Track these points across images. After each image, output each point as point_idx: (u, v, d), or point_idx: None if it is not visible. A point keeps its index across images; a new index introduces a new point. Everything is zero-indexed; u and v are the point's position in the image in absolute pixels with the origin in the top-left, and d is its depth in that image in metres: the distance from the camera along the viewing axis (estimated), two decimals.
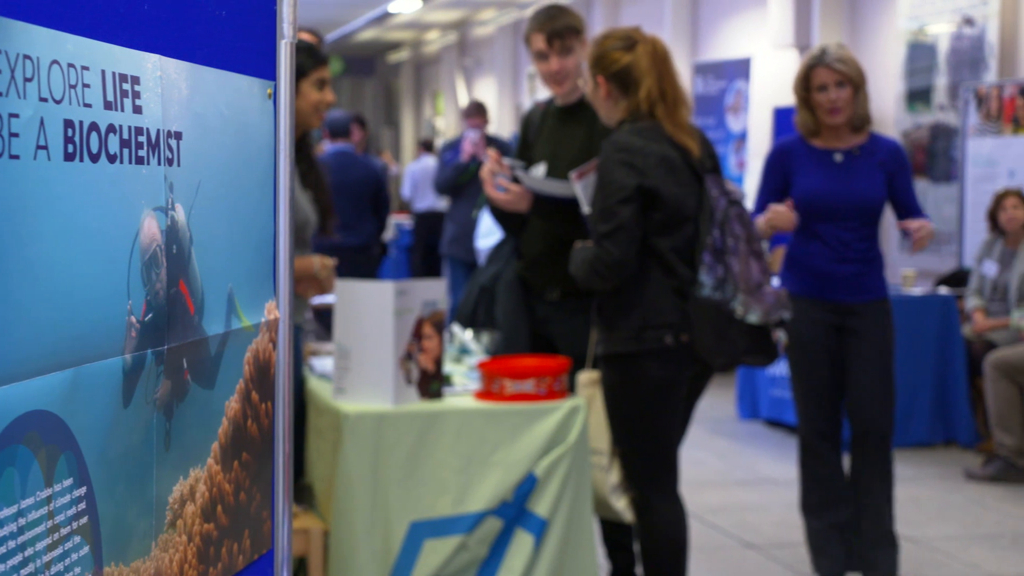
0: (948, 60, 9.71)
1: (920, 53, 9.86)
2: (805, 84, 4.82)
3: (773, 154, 4.95)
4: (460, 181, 9.92)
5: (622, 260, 3.90)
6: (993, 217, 7.75)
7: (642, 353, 3.94)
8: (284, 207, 1.78)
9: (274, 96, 1.83)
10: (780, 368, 8.17)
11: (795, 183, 4.84)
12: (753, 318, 3.88)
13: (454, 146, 10.27)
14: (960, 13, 9.54)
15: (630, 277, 3.95)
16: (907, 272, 8.26)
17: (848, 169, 4.80)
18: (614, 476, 4.09)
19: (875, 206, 4.81)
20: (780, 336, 4.00)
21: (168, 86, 1.61)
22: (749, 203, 11.11)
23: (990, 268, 7.76)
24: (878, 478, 4.82)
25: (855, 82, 4.75)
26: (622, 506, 4.10)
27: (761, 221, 4.69)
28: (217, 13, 1.73)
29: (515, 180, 4.40)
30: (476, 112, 10.31)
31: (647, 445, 4.04)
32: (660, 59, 3.99)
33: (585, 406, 3.95)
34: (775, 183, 4.90)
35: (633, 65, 3.97)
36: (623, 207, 3.88)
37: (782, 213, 4.70)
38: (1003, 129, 8.67)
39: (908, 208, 4.84)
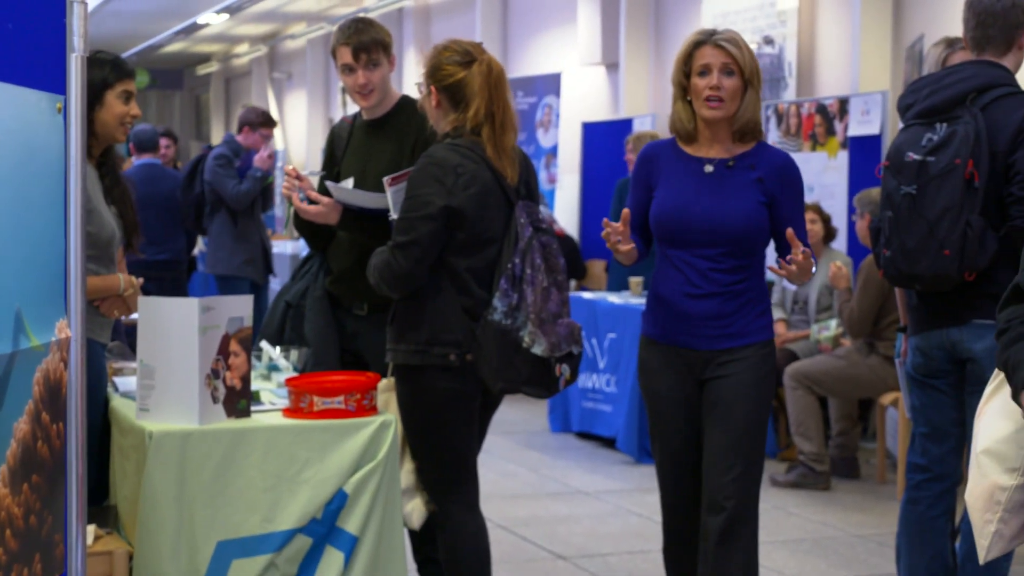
0: None
1: None
2: (685, 68, 3.96)
3: (638, 161, 4.11)
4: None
5: (410, 273, 3.93)
6: None
7: (427, 367, 3.97)
8: (75, 223, 1.74)
9: (64, 110, 1.79)
10: (592, 380, 8.27)
11: (655, 195, 4.01)
12: (538, 350, 3.92)
13: (242, 155, 8.94)
14: (760, 33, 9.81)
15: (423, 292, 3.98)
16: None
17: (716, 184, 3.94)
18: (402, 481, 4.11)
19: (741, 231, 3.89)
20: (564, 370, 4.03)
21: None
22: (564, 220, 11.25)
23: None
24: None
25: (746, 74, 3.90)
26: (407, 510, 4.13)
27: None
28: (3, 26, 1.68)
29: (324, 192, 4.38)
30: (268, 122, 9.20)
31: (441, 457, 4.07)
32: (494, 81, 4.02)
33: (396, 421, 3.95)
34: (639, 198, 4.06)
35: (466, 82, 3.99)
36: (423, 223, 3.91)
37: (612, 230, 3.85)
38: (802, 145, 8.92)
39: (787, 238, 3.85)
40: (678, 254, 3.94)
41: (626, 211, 3.85)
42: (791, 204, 3.97)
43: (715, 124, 3.94)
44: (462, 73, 4.00)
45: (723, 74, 3.88)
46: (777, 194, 3.94)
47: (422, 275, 3.96)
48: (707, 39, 3.92)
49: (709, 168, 3.95)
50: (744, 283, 3.93)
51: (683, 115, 3.98)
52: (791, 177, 3.98)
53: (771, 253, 4.05)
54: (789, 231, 3.76)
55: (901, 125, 4.39)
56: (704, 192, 3.93)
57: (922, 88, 4.29)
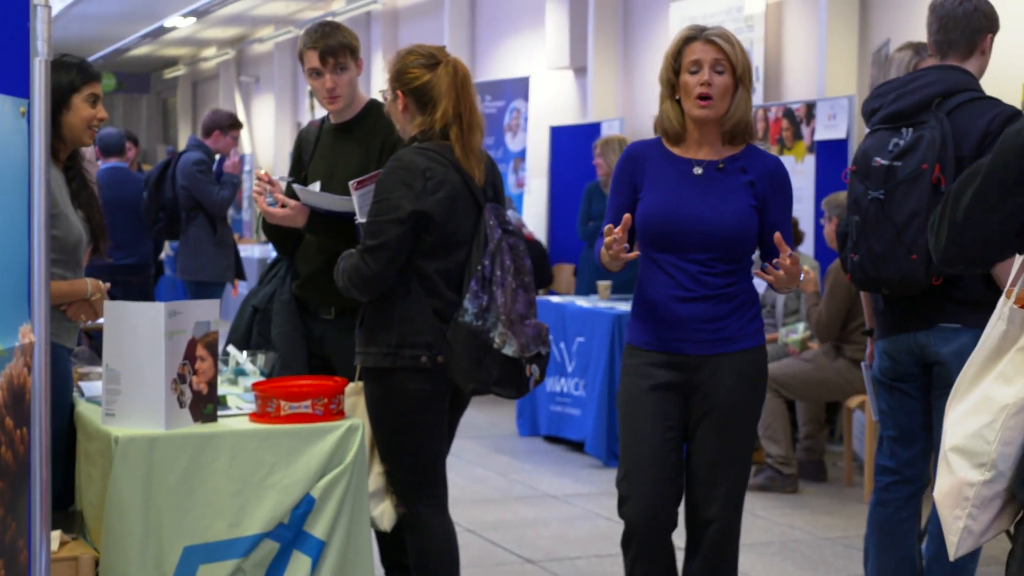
0: None
1: None
2: (674, 64, 3.82)
3: (622, 160, 3.93)
4: None
5: (380, 276, 3.94)
6: None
7: (398, 369, 3.98)
8: (39, 228, 1.73)
9: (28, 114, 1.77)
10: (560, 384, 8.28)
11: (641, 198, 3.86)
12: (509, 351, 3.93)
13: (214, 160, 8.71)
14: None
15: (393, 294, 3.99)
16: None
17: (706, 186, 3.80)
18: (371, 484, 4.11)
19: (733, 235, 3.77)
20: (534, 370, 4.04)
21: None
22: (532, 224, 11.27)
23: (759, 285, 8.01)
24: None
25: (738, 72, 3.76)
26: (378, 513, 4.13)
27: (603, 252, 3.75)
28: None
29: (292, 195, 4.38)
30: (236, 123, 9.02)
31: (412, 459, 4.07)
32: (460, 82, 4.03)
33: (363, 426, 3.94)
34: (623, 199, 3.89)
35: (432, 84, 4.01)
36: (393, 227, 3.91)
37: (616, 240, 3.64)
38: (769, 149, 8.95)
39: (776, 247, 3.71)
40: (666, 258, 3.81)
41: (627, 216, 3.67)
42: (780, 209, 3.86)
43: (705, 124, 3.81)
44: (428, 75, 4.02)
45: (714, 71, 3.74)
46: (768, 198, 3.84)
47: (391, 278, 3.97)
48: (698, 35, 3.78)
49: (698, 170, 3.82)
50: (735, 286, 3.82)
51: (671, 115, 3.83)
52: (782, 181, 3.88)
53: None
54: (777, 235, 3.64)
55: (867, 130, 4.41)
56: (694, 195, 3.80)
57: (887, 93, 4.32)
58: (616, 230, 3.64)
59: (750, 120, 3.82)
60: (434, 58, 4.05)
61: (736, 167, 3.83)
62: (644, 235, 3.83)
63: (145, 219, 8.80)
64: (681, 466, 3.88)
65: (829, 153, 8.44)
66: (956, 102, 4.18)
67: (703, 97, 3.74)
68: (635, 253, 3.72)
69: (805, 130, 8.67)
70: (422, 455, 4.08)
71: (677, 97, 3.83)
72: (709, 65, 3.74)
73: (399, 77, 4.05)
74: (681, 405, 3.85)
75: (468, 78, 4.07)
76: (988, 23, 4.30)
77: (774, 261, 3.68)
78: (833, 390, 7.22)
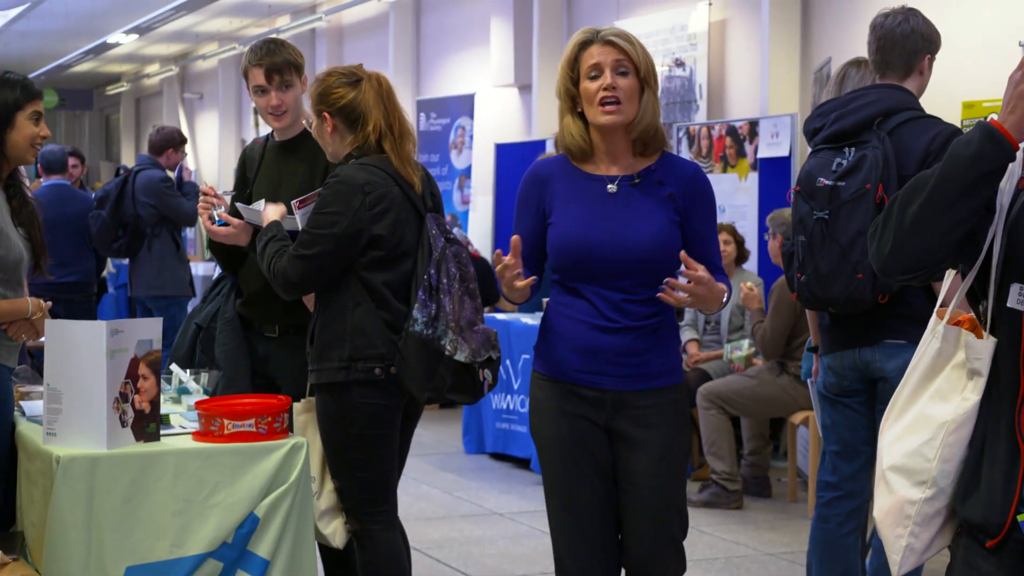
0: (661, 100, 10.05)
1: None
2: (572, 73, 3.48)
3: (526, 182, 3.61)
4: None
5: (302, 283, 4.02)
6: None
7: (352, 383, 3.99)
8: None
9: None
10: (506, 401, 8.28)
11: (552, 223, 3.52)
12: (461, 356, 3.95)
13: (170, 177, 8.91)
14: (671, 56, 9.90)
15: (343, 308, 4.00)
16: None
17: (622, 205, 3.46)
18: (323, 501, 4.10)
19: (655, 257, 3.43)
20: (486, 375, 4.06)
21: None
22: (477, 241, 11.28)
23: None
24: None
25: (642, 72, 3.44)
26: (330, 531, 4.12)
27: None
28: None
29: (235, 213, 4.36)
30: (184, 140, 9.18)
31: (366, 474, 4.07)
32: (385, 94, 4.08)
33: (307, 444, 3.93)
34: (529, 225, 3.56)
35: (359, 100, 4.03)
36: (326, 241, 3.95)
37: (507, 267, 3.32)
38: (713, 167, 9.00)
39: (700, 260, 3.36)
40: (586, 286, 3.47)
41: (516, 239, 3.34)
42: (703, 220, 3.54)
43: (612, 135, 3.48)
44: (352, 93, 4.05)
45: (616, 73, 3.41)
46: (689, 210, 3.50)
47: (314, 288, 4.04)
48: (594, 37, 3.45)
49: (612, 187, 3.48)
50: (659, 317, 3.47)
51: (573, 130, 3.50)
52: (702, 189, 3.54)
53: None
54: (682, 253, 3.32)
55: (809, 149, 4.44)
56: (611, 216, 3.46)
57: (828, 112, 4.35)
58: (506, 257, 3.32)
59: (659, 125, 3.51)
60: (355, 75, 4.08)
61: (653, 180, 3.50)
62: (559, 264, 3.51)
63: (101, 238, 8.75)
64: (614, 512, 3.54)
65: (772, 170, 8.49)
66: (897, 121, 4.22)
67: (608, 102, 3.41)
68: (531, 279, 3.38)
69: (748, 148, 8.73)
70: (375, 470, 4.07)
71: (580, 110, 3.51)
72: (610, 68, 3.41)
73: (324, 99, 4.07)
74: (606, 443, 3.51)
75: (392, 90, 4.13)
76: (926, 44, 4.34)
77: (666, 280, 3.31)
78: (778, 406, 7.26)
